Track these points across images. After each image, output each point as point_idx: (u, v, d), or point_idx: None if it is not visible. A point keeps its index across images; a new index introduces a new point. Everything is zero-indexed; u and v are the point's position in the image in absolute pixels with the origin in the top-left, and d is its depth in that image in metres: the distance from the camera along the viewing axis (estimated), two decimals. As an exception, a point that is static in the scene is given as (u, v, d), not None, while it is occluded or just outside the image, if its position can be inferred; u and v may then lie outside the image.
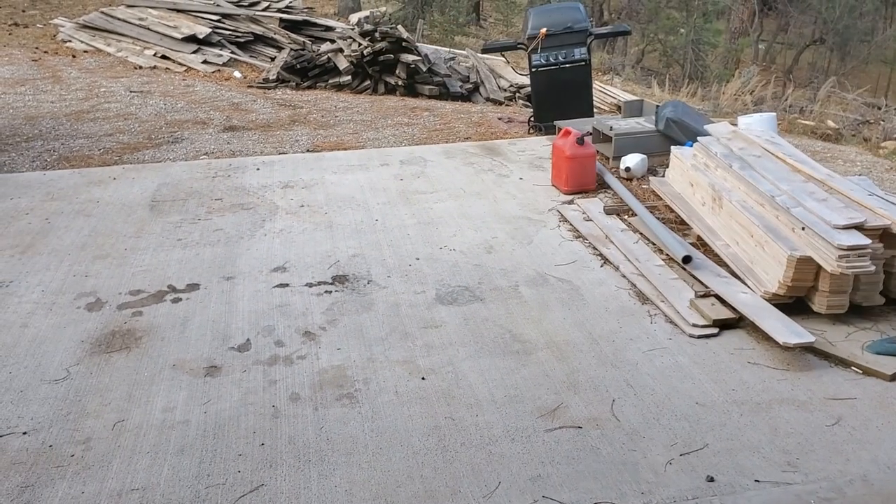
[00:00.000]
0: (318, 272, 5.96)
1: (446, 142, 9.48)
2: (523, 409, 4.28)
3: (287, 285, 5.76)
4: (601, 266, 5.94)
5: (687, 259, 5.58)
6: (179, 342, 5.00)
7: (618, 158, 7.79)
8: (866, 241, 4.67)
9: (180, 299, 5.57)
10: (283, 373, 4.67)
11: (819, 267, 4.82)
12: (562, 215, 6.88)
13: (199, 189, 7.77)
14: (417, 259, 6.17)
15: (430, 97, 11.87)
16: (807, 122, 11.12)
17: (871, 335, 4.79)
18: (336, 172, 8.21)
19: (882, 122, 11.04)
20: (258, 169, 8.37)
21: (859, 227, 4.81)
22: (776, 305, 4.98)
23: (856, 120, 11.39)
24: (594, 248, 6.22)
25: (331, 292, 5.65)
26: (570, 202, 7.16)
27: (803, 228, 4.95)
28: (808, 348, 4.61)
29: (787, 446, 3.90)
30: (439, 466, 3.85)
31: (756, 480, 3.67)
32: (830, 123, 11.15)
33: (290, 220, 6.98)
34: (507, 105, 11.93)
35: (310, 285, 5.76)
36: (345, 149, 9.17)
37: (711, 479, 3.68)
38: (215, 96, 11.72)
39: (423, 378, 4.59)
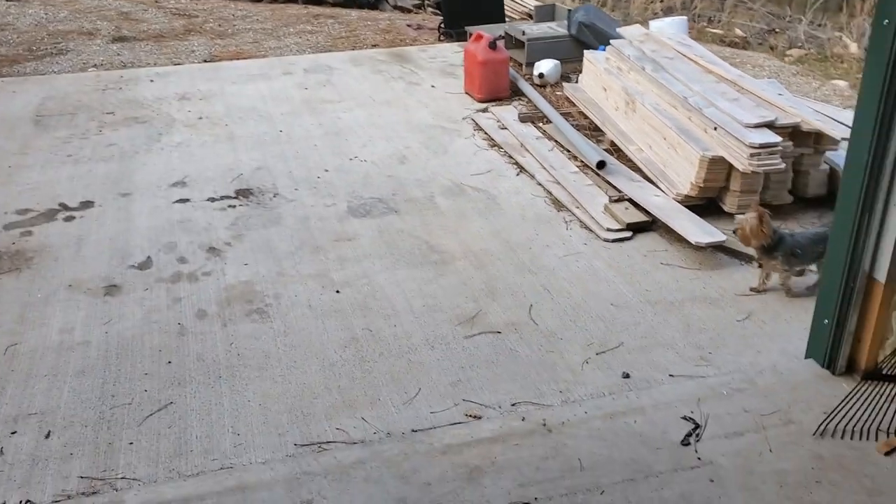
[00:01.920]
0: (220, 186, 5.68)
1: (353, 49, 9.12)
2: (442, 317, 4.20)
3: (188, 200, 5.47)
4: (517, 174, 5.85)
5: (601, 164, 5.54)
6: (75, 261, 4.69)
7: (531, 64, 7.64)
8: (777, 138, 4.70)
9: (73, 217, 5.22)
10: (187, 290, 4.45)
11: (731, 166, 4.85)
12: (476, 124, 6.72)
13: (89, 103, 7.26)
14: (326, 171, 5.94)
15: (334, 4, 11.37)
16: (715, 31, 11.17)
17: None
18: (236, 83, 7.80)
19: (787, 31, 11.18)
20: (152, 81, 7.88)
21: (770, 126, 4.83)
22: (689, 207, 5.00)
23: (762, 29, 11.50)
24: (510, 156, 6.11)
25: (235, 206, 5.39)
26: (485, 110, 7.00)
27: (715, 128, 4.95)
28: (720, 248, 4.67)
29: (699, 342, 3.96)
30: (357, 377, 3.76)
31: (670, 375, 3.71)
32: (738, 32, 11.23)
33: (189, 132, 6.61)
34: (416, 12, 11.54)
35: (212, 200, 5.48)
36: (245, 58, 8.72)
37: (627, 376, 3.70)
38: (101, 5, 10.94)
39: (337, 291, 4.44)
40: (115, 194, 5.53)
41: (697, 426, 3.33)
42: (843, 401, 3.27)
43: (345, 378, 3.75)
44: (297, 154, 6.19)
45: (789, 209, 5.11)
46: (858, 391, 3.27)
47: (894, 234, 3.21)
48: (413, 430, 3.40)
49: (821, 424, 3.26)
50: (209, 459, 3.26)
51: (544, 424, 3.37)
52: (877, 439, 3.23)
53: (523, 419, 3.41)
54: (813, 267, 4.30)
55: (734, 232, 4.27)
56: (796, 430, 3.29)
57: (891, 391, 3.31)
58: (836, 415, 3.27)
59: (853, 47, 10.25)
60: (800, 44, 10.71)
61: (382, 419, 3.48)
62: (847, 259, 3.37)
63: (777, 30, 11.48)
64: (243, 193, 5.56)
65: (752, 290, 4.32)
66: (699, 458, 3.16)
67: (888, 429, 3.25)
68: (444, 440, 3.32)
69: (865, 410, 3.26)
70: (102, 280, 4.51)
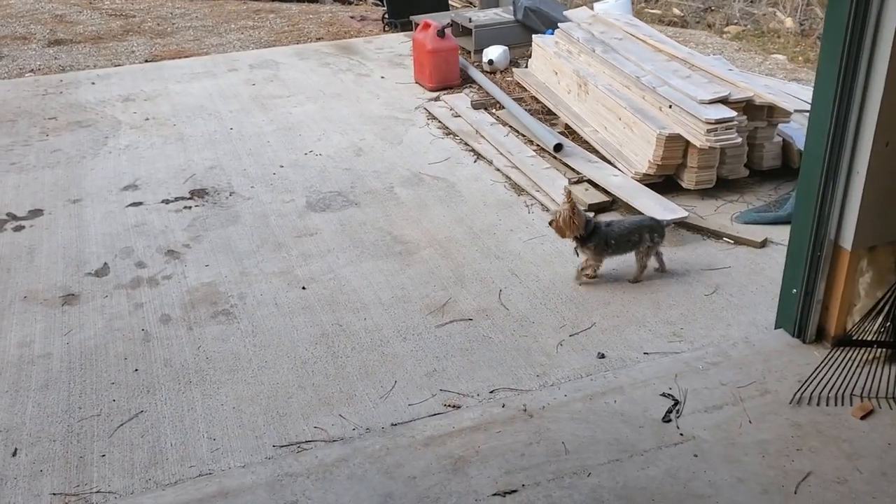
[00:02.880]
0: (173, 187, 5.54)
1: (297, 43, 8.98)
2: (412, 307, 4.15)
3: (141, 203, 5.32)
4: (475, 161, 5.83)
5: (558, 147, 5.55)
6: (28, 272, 4.53)
7: (479, 51, 7.61)
8: (732, 113, 4.76)
9: (23, 227, 5.03)
10: (148, 295, 4.33)
11: (687, 143, 4.89)
12: (430, 113, 6.67)
13: (29, 108, 7.02)
14: (282, 167, 5.84)
15: (274, -1, 11.18)
16: (654, 11, 11.28)
17: (738, 207, 4.95)
18: (180, 81, 7.61)
19: (723, 9, 11.34)
20: (93, 83, 7.65)
21: (724, 101, 4.89)
22: (647, 185, 5.03)
23: (698, 7, 11.65)
24: (466, 143, 6.08)
25: (191, 207, 5.26)
26: (437, 99, 6.96)
27: (670, 106, 4.99)
28: (682, 224, 4.71)
29: (670, 318, 3.99)
30: (331, 373, 3.70)
31: (645, 353, 3.73)
32: (675, 11, 11.36)
33: (136, 134, 6.43)
34: (357, 3, 11.42)
35: (166, 202, 5.34)
36: (187, 56, 8.52)
37: (602, 356, 3.71)
38: (34, 8, 10.58)
39: (303, 288, 4.37)
40: (64, 201, 5.35)
41: (677, 402, 3.35)
42: (816, 369, 3.32)
43: (318, 375, 3.69)
44: (251, 151, 6.08)
45: (746, 182, 5.18)
46: (830, 358, 3.32)
47: (858, 201, 3.26)
48: (393, 424, 3.36)
49: (796, 393, 3.31)
50: (186, 467, 3.17)
51: (525, 410, 3.36)
52: (851, 404, 3.29)
53: (503, 406, 3.39)
54: (632, 254, 4.27)
55: (549, 224, 4.17)
56: (773, 400, 3.34)
57: (861, 356, 3.37)
58: (810, 383, 3.32)
59: (788, 22, 10.44)
60: (736, 20, 10.87)
61: (360, 415, 3.43)
62: (813, 228, 3.42)
63: (713, 7, 11.63)
64: (198, 194, 5.44)
65: (582, 276, 4.29)
66: (681, 434, 3.18)
67: (861, 393, 3.31)
68: (426, 432, 3.28)
69: (838, 377, 3.32)
70: (59, 290, 4.36)
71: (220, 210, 5.21)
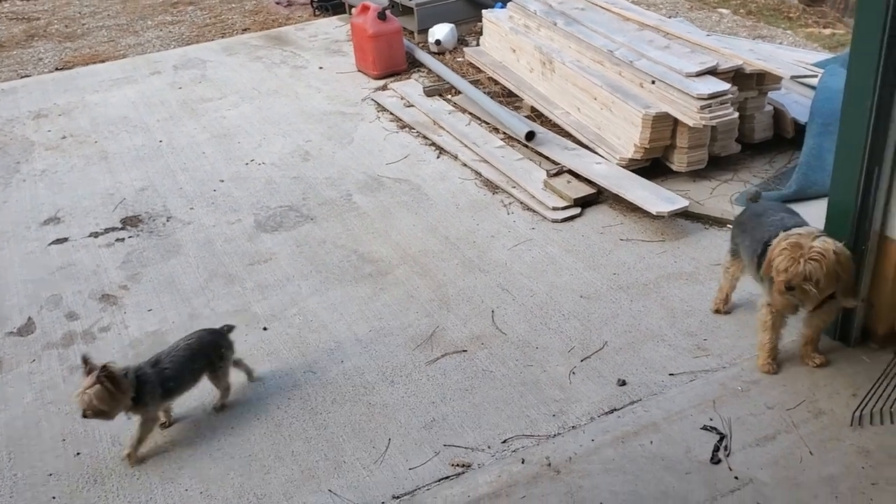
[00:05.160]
0: (101, 217, 4.86)
1: (223, 37, 8.24)
2: (394, 342, 3.61)
3: (66, 239, 4.65)
4: (438, 157, 5.27)
5: (530, 135, 5.02)
6: (-66, 342, 3.85)
7: (424, 31, 7.01)
8: (725, 85, 4.29)
9: (-76, 283, 4.33)
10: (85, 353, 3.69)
11: (676, 122, 4.42)
12: (379, 104, 6.08)
13: (-77, 135, 6.21)
14: (222, 181, 5.20)
15: (191, -11, 10.34)
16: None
17: (735, 187, 4.50)
18: (98, 91, 6.85)
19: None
20: (-3, 99, 6.84)
21: (713, 72, 4.41)
22: (634, 171, 4.56)
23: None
24: (425, 137, 5.51)
25: (124, 239, 4.61)
26: (384, 87, 6.36)
27: (653, 82, 4.50)
28: (679, 213, 4.24)
29: (689, 327, 3.52)
30: (311, 436, 3.14)
31: (670, 374, 3.26)
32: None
33: (53, 156, 5.70)
34: (281, -12, 10.65)
35: (95, 235, 4.68)
36: (102, 61, 7.72)
37: (623, 383, 3.23)
38: (-78, 17, 9.58)
39: (264, 328, 3.79)
40: (-27, 246, 4.64)
41: (723, 436, 2.89)
42: (875, 382, 2.89)
43: (297, 440, 3.13)
44: (185, 166, 5.41)
45: (738, 158, 4.74)
46: (888, 367, 2.90)
47: (909, 186, 2.82)
48: (395, 497, 2.84)
49: (855, 411, 2.89)
50: (151, 583, 2.60)
51: (549, 464, 2.86)
52: (920, 419, 2.88)
53: (523, 462, 2.89)
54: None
55: (84, 416, 2.92)
56: (830, 422, 2.90)
57: (921, 360, 2.96)
58: (868, 398, 2.89)
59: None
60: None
61: (354, 488, 2.90)
62: (854, 220, 2.98)
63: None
64: (131, 222, 4.77)
65: (136, 455, 3.07)
66: (736, 478, 2.72)
67: (929, 405, 2.90)
68: (437, 504, 2.77)
69: (899, 387, 2.91)
70: (-26, 360, 3.70)
71: (158, 240, 4.57)
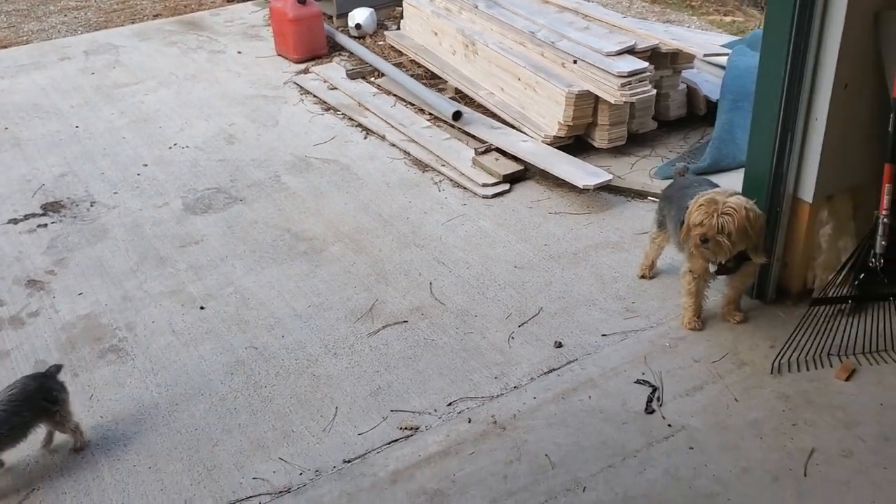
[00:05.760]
0: (20, 203, 4.71)
1: (133, 23, 8.03)
2: (335, 316, 3.66)
3: (-17, 227, 4.50)
4: (365, 138, 5.31)
5: (457, 115, 5.12)
6: None
7: (343, 15, 7.01)
8: (643, 64, 4.49)
9: None
10: (14, 339, 3.61)
11: (597, 100, 4.60)
12: (302, 87, 6.07)
13: None
14: (145, 165, 5.11)
15: (96, -26, 10.00)
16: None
17: (653, 161, 4.72)
18: (3, 77, 6.59)
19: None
20: None
21: (631, 51, 4.61)
22: (558, 148, 4.72)
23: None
24: (350, 118, 5.54)
25: (46, 225, 4.49)
26: (305, 71, 6.35)
27: (575, 62, 4.67)
28: (603, 186, 4.42)
29: (618, 292, 3.70)
30: (257, 408, 3.17)
31: (603, 335, 3.42)
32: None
33: (-38, 143, 5.48)
34: (191, -26, 10.42)
35: (15, 221, 4.54)
36: (4, 46, 7.41)
37: (560, 345, 3.37)
38: None
39: (201, 307, 3.77)
40: None
41: (655, 388, 3.07)
42: (791, 334, 3.11)
43: (243, 413, 3.15)
44: (105, 151, 5.29)
45: (655, 135, 4.95)
46: (802, 320, 3.13)
47: (819, 150, 3.05)
48: (346, 461, 2.90)
49: (774, 361, 3.11)
50: (105, 557, 2.59)
51: (495, 422, 2.97)
52: (832, 365, 3.11)
53: (469, 421, 3.00)
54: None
55: None
56: (752, 372, 3.12)
57: (832, 313, 3.20)
58: (785, 349, 3.11)
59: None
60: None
61: (305, 454, 2.94)
62: (769, 184, 3.19)
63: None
64: (52, 208, 4.65)
65: None
66: (669, 426, 2.90)
67: (839, 352, 3.14)
68: (388, 466, 2.84)
69: (813, 338, 3.14)
70: None
71: (83, 224, 4.47)
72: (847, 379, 3.03)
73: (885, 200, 2.98)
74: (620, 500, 2.63)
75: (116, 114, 5.84)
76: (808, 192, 3.16)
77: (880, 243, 3.04)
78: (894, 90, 2.88)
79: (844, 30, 2.83)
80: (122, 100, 6.07)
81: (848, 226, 3.29)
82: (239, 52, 6.92)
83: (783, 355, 3.10)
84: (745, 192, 3.29)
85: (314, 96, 5.93)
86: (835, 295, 3.18)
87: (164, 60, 6.81)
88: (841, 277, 3.16)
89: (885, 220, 3.00)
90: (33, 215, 4.59)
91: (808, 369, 3.10)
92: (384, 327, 3.57)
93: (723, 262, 3.09)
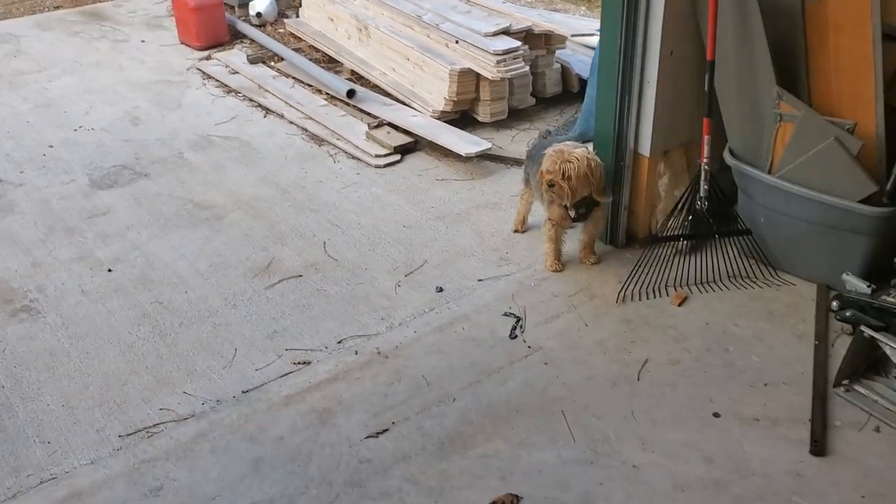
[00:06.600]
0: (-76, 183, 4.87)
1: (34, 14, 8.10)
2: (234, 273, 3.98)
3: None
4: (265, 117, 5.62)
5: (351, 93, 5.49)
6: None
7: (245, 5, 7.29)
8: (516, 43, 4.94)
9: None
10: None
11: (479, 76, 5.03)
12: (204, 73, 6.33)
13: None
14: (51, 147, 5.30)
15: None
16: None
17: (532, 134, 5.17)
18: None
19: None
20: None
21: (506, 32, 5.06)
22: (446, 122, 5.14)
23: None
24: (251, 100, 5.85)
25: (-48, 203, 4.66)
26: (208, 58, 6.61)
27: (457, 42, 5.09)
28: (486, 156, 4.86)
29: (494, 245, 4.13)
30: (163, 353, 3.47)
31: (479, 280, 3.85)
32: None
33: None
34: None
35: (-80, 200, 4.69)
36: None
37: (441, 290, 3.78)
38: None
39: (109, 270, 4.04)
40: None
41: (519, 319, 3.50)
42: (632, 269, 3.60)
43: (150, 357, 3.45)
44: (9, 133, 5.46)
45: (534, 111, 5.43)
46: (643, 257, 3.62)
47: (652, 109, 3.54)
48: (244, 391, 3.23)
49: (619, 292, 3.59)
50: (23, 477, 2.86)
51: (379, 353, 3.36)
52: (668, 295, 3.61)
53: (356, 353, 3.38)
54: None
55: None
56: (601, 303, 3.59)
57: (669, 251, 3.70)
58: (630, 282, 3.60)
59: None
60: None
61: (207, 388, 3.27)
62: (614, 140, 3.67)
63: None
64: (-43, 186, 4.82)
65: None
66: (529, 347, 3.34)
67: (674, 283, 3.65)
68: (282, 392, 3.20)
69: (653, 272, 3.63)
70: None
71: (-10, 201, 4.66)
72: (680, 304, 3.53)
73: (706, 150, 3.49)
74: (484, 407, 3.05)
75: (20, 100, 5.98)
76: (645, 148, 3.66)
77: (703, 188, 3.55)
78: (708, 54, 3.38)
79: (667, 4, 3.32)
80: (24, 86, 6.21)
81: (682, 177, 3.80)
82: (143, 41, 7.11)
83: (627, 287, 3.59)
84: (596, 148, 3.77)
85: (216, 80, 6.20)
86: (669, 234, 3.68)
87: (67, 49, 6.95)
88: (673, 219, 3.66)
89: (705, 167, 3.51)
90: (-61, 193, 4.75)
91: (647, 298, 3.59)
92: (280, 281, 3.91)
93: (568, 206, 3.55)
